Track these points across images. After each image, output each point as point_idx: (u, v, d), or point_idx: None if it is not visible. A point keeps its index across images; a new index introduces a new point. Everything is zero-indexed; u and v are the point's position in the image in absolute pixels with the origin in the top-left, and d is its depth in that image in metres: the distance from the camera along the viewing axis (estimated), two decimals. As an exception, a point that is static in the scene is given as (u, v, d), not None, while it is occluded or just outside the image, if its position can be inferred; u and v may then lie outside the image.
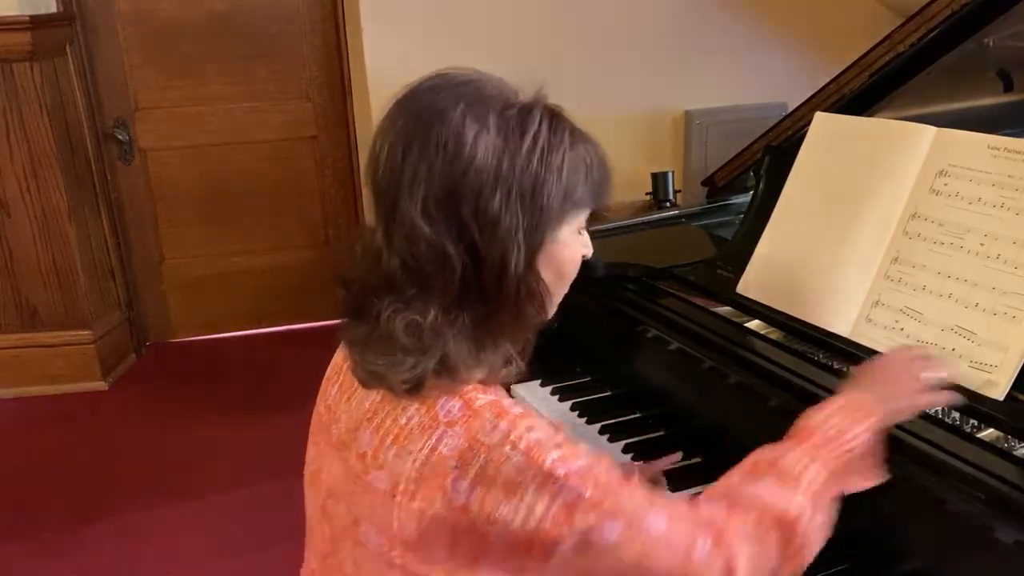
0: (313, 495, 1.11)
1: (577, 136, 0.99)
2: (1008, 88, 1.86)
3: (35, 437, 3.11)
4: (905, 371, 1.15)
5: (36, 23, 3.05)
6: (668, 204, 2.76)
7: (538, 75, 1.01)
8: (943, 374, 1.15)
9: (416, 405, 0.96)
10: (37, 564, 2.45)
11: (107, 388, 3.42)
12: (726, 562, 0.96)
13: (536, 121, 0.95)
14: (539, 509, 0.90)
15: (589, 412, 1.61)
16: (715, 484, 1.06)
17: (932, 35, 1.55)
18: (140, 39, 3.44)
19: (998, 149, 1.28)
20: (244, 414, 3.15)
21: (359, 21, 3.25)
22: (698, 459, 1.45)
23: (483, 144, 0.92)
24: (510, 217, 0.93)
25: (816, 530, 1.03)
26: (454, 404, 0.95)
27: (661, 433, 1.53)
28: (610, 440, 1.53)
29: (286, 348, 3.65)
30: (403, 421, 0.96)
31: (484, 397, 0.96)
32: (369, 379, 0.99)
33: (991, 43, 1.67)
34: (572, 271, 1.05)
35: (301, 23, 3.52)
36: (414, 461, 0.94)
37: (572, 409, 1.63)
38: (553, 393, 1.68)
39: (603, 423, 1.57)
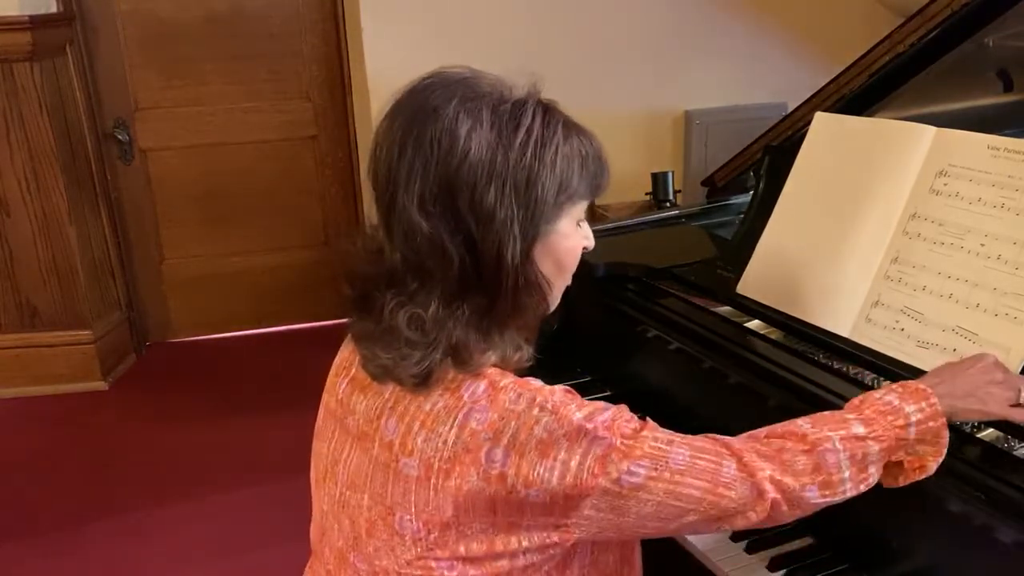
0: (327, 491, 1.11)
1: (571, 128, 1.00)
2: (1008, 88, 1.86)
3: (35, 437, 3.11)
4: (981, 373, 1.10)
5: (36, 23, 3.05)
6: (668, 204, 2.76)
7: (538, 74, 1.02)
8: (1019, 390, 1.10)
9: (440, 390, 0.98)
10: (37, 564, 2.45)
11: (107, 388, 3.42)
12: (755, 482, 0.99)
13: (529, 115, 0.96)
14: (574, 463, 0.94)
15: (589, 412, 1.60)
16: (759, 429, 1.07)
17: (932, 35, 1.55)
18: (140, 39, 3.44)
19: (998, 149, 1.28)
20: (244, 414, 3.15)
21: (359, 21, 3.25)
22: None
23: (476, 139, 0.94)
24: (505, 210, 0.95)
25: (848, 470, 1.02)
26: (479, 385, 0.97)
27: (661, 433, 1.52)
28: (610, 440, 1.52)
29: (286, 348, 3.65)
30: (428, 407, 0.98)
31: (505, 378, 0.98)
32: (380, 373, 1.01)
33: (991, 43, 1.67)
34: (572, 262, 1.07)
35: (301, 23, 3.52)
36: (444, 442, 0.96)
37: (572, 409, 1.63)
38: (553, 393, 1.68)
39: (603, 423, 1.56)
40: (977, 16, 1.52)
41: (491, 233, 0.95)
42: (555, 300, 1.08)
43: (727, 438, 1.03)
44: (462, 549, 0.98)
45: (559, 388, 0.99)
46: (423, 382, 0.97)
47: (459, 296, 0.97)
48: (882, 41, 1.62)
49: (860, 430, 1.03)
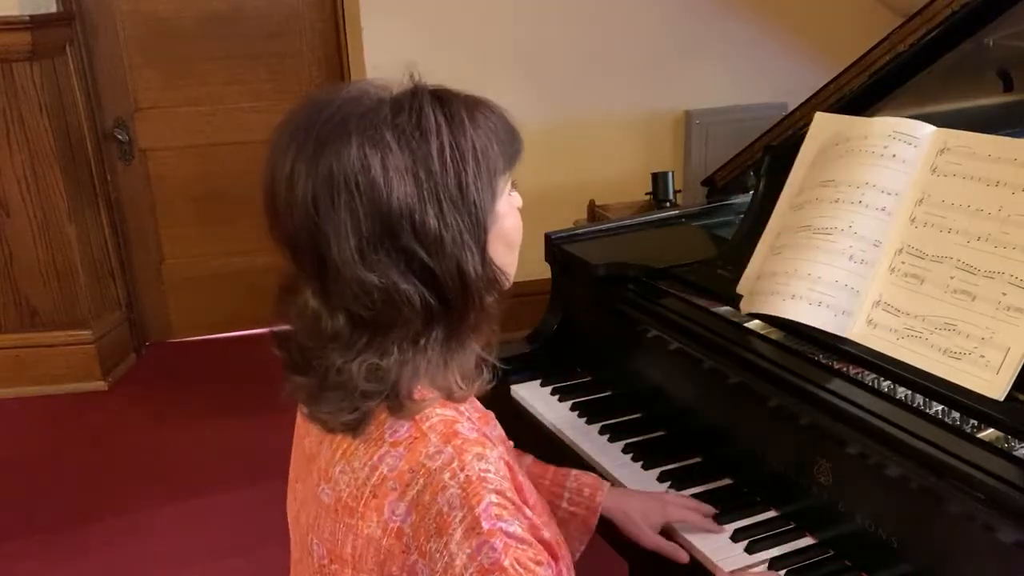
0: (291, 504, 1.11)
1: (472, 108, 0.93)
2: (1008, 88, 1.86)
3: (35, 437, 3.11)
4: None
5: (36, 23, 3.05)
6: (668, 204, 2.76)
7: (412, 63, 0.95)
8: None
9: (371, 423, 0.93)
10: (37, 564, 2.45)
11: (107, 388, 3.42)
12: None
13: (430, 117, 0.89)
14: (458, 563, 0.87)
15: (589, 412, 1.61)
16: None
17: (932, 35, 1.55)
18: (140, 39, 3.44)
19: (998, 149, 1.28)
20: (244, 414, 3.15)
21: (359, 21, 3.25)
22: (698, 459, 1.45)
23: (392, 167, 0.87)
24: (450, 227, 0.89)
25: None
26: (403, 425, 0.92)
27: (661, 433, 1.53)
28: (610, 440, 1.53)
29: (286, 348, 3.64)
30: (353, 438, 0.94)
31: (440, 413, 0.93)
32: (321, 425, 0.97)
33: (991, 43, 1.67)
34: (519, 235, 1.01)
35: (301, 23, 3.52)
36: (356, 479, 0.92)
37: (572, 409, 1.63)
38: (553, 393, 1.68)
39: (603, 423, 1.57)
40: (977, 16, 1.51)
41: (446, 256, 0.89)
42: (511, 276, 1.02)
43: None
44: None
45: (496, 455, 0.92)
46: (355, 429, 0.93)
47: (426, 331, 0.91)
48: (882, 41, 1.62)
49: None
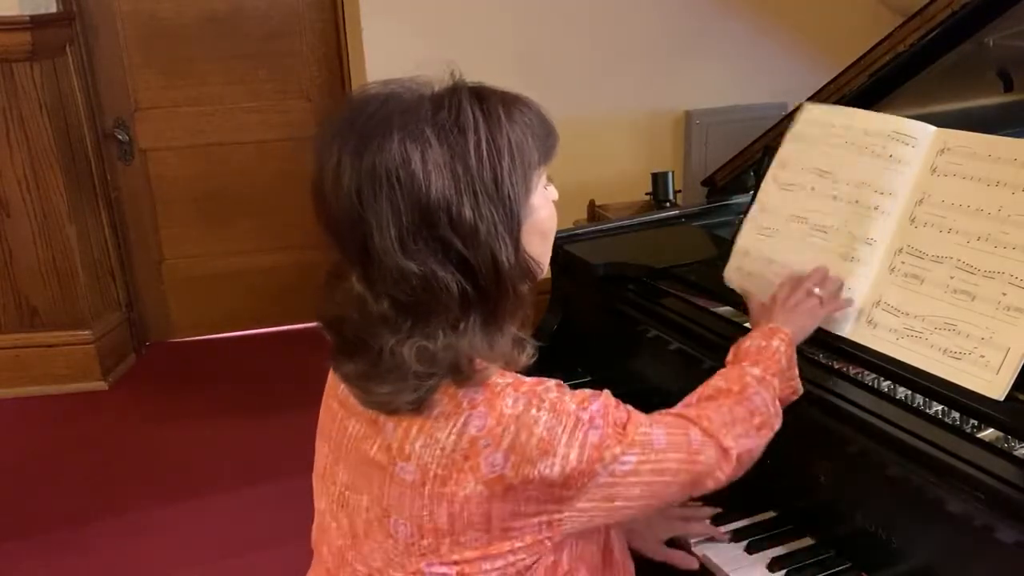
0: (326, 490, 1.11)
1: (509, 104, 0.98)
2: (1008, 88, 1.86)
3: (35, 437, 3.11)
4: (799, 291, 1.29)
5: (36, 23, 3.05)
6: (668, 204, 2.76)
7: (453, 61, 0.98)
8: (834, 286, 1.30)
9: (438, 395, 0.97)
10: (37, 564, 2.45)
11: (107, 388, 3.42)
12: (717, 442, 1.08)
13: (468, 113, 0.94)
14: (573, 455, 0.96)
15: (589, 412, 1.60)
16: (685, 398, 1.18)
17: (932, 35, 1.55)
18: (140, 39, 3.44)
19: (998, 149, 1.28)
20: (244, 414, 3.15)
21: (359, 21, 3.25)
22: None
23: (432, 161, 0.92)
24: (486, 219, 0.94)
25: (772, 406, 1.16)
26: (477, 390, 0.97)
27: (661, 433, 1.52)
28: (610, 440, 1.52)
29: (286, 348, 3.64)
30: (418, 414, 0.98)
31: (503, 380, 0.98)
32: (381, 408, 1.00)
33: (991, 43, 1.67)
34: (553, 226, 1.07)
35: (301, 23, 3.52)
36: (443, 448, 0.96)
37: (572, 409, 1.63)
38: (553, 393, 1.68)
39: (603, 423, 1.56)
40: (977, 16, 1.52)
41: (481, 246, 0.94)
42: (546, 266, 1.09)
43: (682, 410, 1.13)
44: (455, 556, 0.98)
45: (552, 383, 1.00)
46: (419, 407, 0.97)
47: (464, 316, 0.96)
48: (882, 41, 1.62)
49: (757, 372, 1.17)
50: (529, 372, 1.70)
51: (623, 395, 1.62)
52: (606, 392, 1.04)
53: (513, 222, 0.96)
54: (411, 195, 0.91)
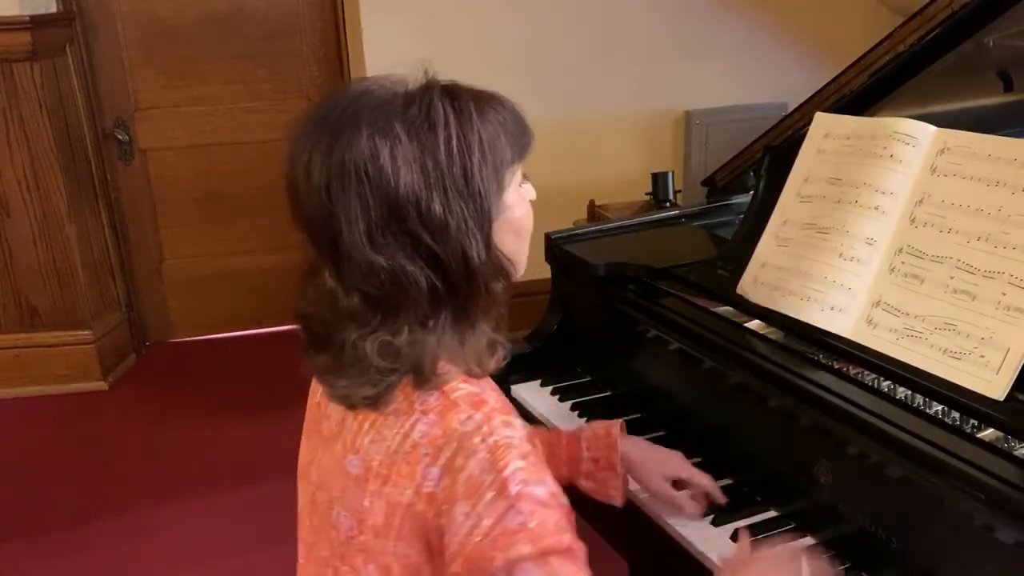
0: (304, 488, 1.12)
1: (482, 102, 0.97)
2: (1008, 88, 1.86)
3: (35, 437, 3.11)
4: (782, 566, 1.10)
5: (36, 23, 3.05)
6: (668, 204, 2.76)
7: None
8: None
9: (397, 392, 0.96)
10: (37, 564, 2.45)
11: (107, 388, 3.42)
12: None
13: (439, 109, 0.93)
14: (485, 523, 0.90)
15: (589, 412, 1.61)
16: None
17: (932, 35, 1.54)
18: (140, 39, 3.44)
19: (998, 149, 1.28)
20: (244, 414, 3.15)
21: (359, 21, 3.25)
22: (698, 459, 1.45)
23: (401, 156, 0.91)
24: (455, 214, 0.93)
25: None
26: (433, 394, 0.96)
27: (661, 433, 1.53)
28: (610, 440, 1.53)
29: (286, 348, 3.61)
30: (374, 410, 0.97)
31: (465, 387, 0.96)
32: (342, 401, 1.00)
33: (991, 43, 1.66)
34: (529, 225, 1.05)
35: (301, 23, 3.52)
36: (388, 447, 0.95)
37: (572, 409, 1.63)
38: (553, 393, 1.68)
39: (603, 423, 1.56)
40: (977, 16, 1.51)
41: (450, 240, 0.93)
42: (522, 265, 1.06)
43: None
44: (393, 565, 0.96)
45: (519, 424, 0.95)
46: (375, 403, 0.96)
47: (434, 310, 0.95)
48: (882, 41, 1.62)
49: None
50: (531, 372, 1.70)
51: (623, 395, 1.63)
52: (564, 503, 0.95)
53: (484, 218, 0.95)
54: (380, 189, 0.91)
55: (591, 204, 3.15)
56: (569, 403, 1.65)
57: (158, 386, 3.46)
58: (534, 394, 1.69)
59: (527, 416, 1.65)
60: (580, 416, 1.60)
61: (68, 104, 3.28)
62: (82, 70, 3.36)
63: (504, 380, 1.72)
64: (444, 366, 0.96)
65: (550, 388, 1.69)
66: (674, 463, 1.35)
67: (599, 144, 3.46)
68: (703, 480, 1.33)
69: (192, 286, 3.74)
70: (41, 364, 3.37)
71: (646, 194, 2.89)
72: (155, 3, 3.40)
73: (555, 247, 1.80)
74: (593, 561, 1.31)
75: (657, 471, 1.33)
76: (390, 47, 3.17)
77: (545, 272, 1.82)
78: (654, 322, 1.56)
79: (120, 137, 3.49)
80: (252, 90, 3.55)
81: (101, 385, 3.42)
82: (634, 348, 1.61)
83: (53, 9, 3.18)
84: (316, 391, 1.11)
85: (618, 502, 1.31)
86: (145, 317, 3.75)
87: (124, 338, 3.62)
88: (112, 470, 2.88)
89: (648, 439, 1.51)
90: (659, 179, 2.80)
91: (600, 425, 1.35)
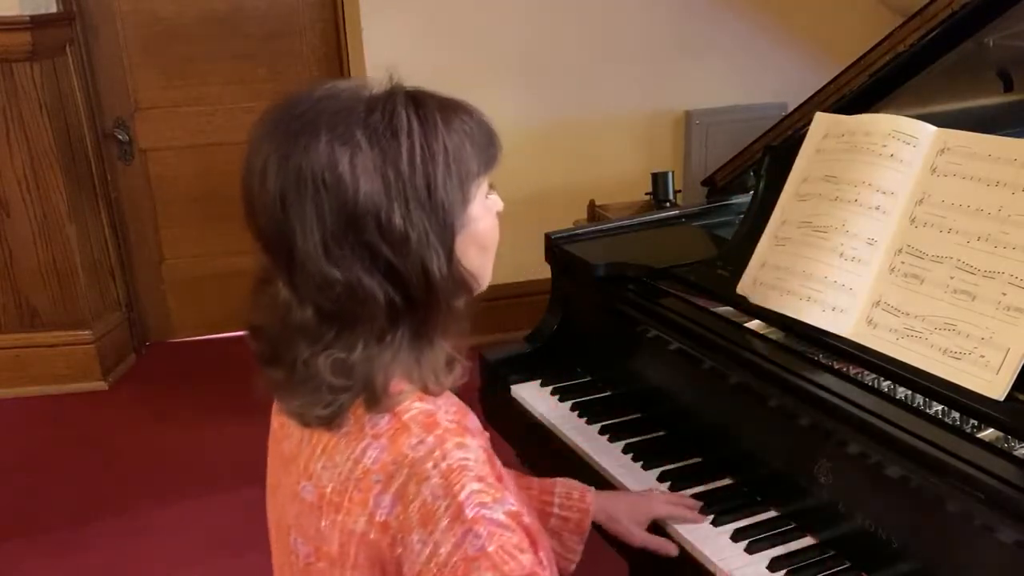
0: (270, 510, 1.09)
1: (448, 111, 0.93)
2: (1008, 88, 1.86)
3: (35, 437, 3.11)
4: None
5: (36, 23, 3.05)
6: (668, 204, 2.76)
7: (393, 65, 0.95)
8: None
9: (350, 413, 0.93)
10: (38, 563, 2.45)
11: (107, 388, 3.42)
12: None
13: (403, 117, 0.89)
14: (443, 551, 0.87)
15: (589, 412, 1.61)
16: None
17: (932, 35, 1.55)
18: (140, 39, 3.44)
19: (998, 149, 1.28)
20: (244, 414, 3.13)
21: (359, 21, 3.25)
22: (698, 459, 1.45)
23: (361, 165, 0.86)
24: (416, 227, 0.88)
25: None
26: (383, 418, 0.92)
27: (661, 433, 1.53)
28: (610, 440, 1.53)
29: (286, 348, 3.64)
30: (328, 431, 0.94)
31: (419, 406, 0.93)
32: (298, 420, 0.97)
33: (991, 43, 1.67)
34: (494, 238, 1.00)
35: (301, 23, 3.52)
36: (339, 473, 0.92)
37: (572, 409, 1.63)
38: (553, 393, 1.68)
39: (603, 423, 1.57)
40: (977, 16, 1.51)
41: (411, 254, 0.89)
42: (486, 279, 1.01)
43: None
44: None
45: (476, 444, 0.92)
46: (329, 424, 0.93)
47: (391, 328, 0.91)
48: (882, 41, 1.62)
49: None
50: (531, 372, 1.70)
51: (623, 395, 1.63)
52: (530, 522, 0.93)
53: (447, 232, 0.91)
54: (337, 199, 0.86)
55: (591, 204, 3.15)
56: (569, 403, 1.65)
57: (158, 386, 3.46)
58: (534, 394, 1.69)
59: (527, 416, 1.65)
60: (580, 416, 1.60)
61: (68, 104, 3.28)
62: (82, 70, 3.36)
63: (504, 380, 1.72)
64: (398, 385, 0.93)
65: (550, 388, 1.69)
66: (644, 506, 1.31)
67: (599, 144, 3.46)
68: (684, 513, 1.31)
69: (192, 286, 3.74)
70: (41, 364, 3.37)
71: (646, 194, 2.89)
72: (155, 3, 3.40)
73: (555, 247, 1.80)
74: (593, 561, 1.32)
75: (632, 520, 1.30)
76: (390, 47, 3.17)
77: (545, 272, 1.82)
78: (654, 322, 1.56)
79: (120, 137, 3.49)
80: (252, 90, 3.54)
81: (101, 385, 3.42)
82: (634, 348, 1.61)
83: (53, 9, 3.18)
84: (279, 411, 1.07)
85: (569, 569, 1.28)
86: (145, 317, 3.75)
87: (124, 338, 3.62)
88: (112, 470, 2.88)
89: (648, 439, 1.52)
90: (659, 179, 2.80)
91: (575, 485, 1.31)
